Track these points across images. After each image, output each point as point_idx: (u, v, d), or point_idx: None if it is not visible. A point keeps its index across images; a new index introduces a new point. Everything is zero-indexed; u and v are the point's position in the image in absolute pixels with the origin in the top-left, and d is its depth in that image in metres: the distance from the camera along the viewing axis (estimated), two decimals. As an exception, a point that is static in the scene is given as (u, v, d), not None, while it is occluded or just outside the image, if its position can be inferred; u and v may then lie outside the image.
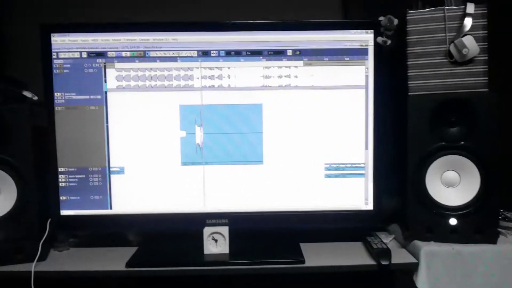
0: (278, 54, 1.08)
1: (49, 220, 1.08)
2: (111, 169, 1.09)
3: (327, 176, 1.10)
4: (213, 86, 1.09)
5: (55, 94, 1.08)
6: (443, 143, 1.05)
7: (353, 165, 1.10)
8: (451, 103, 1.04)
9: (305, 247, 1.11)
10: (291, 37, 1.08)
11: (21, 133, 1.04)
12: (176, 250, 1.10)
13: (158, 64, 1.08)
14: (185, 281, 1.15)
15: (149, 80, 1.08)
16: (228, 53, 1.08)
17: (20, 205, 1.04)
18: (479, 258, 1.01)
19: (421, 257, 1.01)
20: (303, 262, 1.03)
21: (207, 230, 1.07)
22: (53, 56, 1.08)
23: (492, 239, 1.04)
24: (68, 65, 1.08)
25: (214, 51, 1.08)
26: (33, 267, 1.01)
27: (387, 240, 1.14)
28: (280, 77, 1.09)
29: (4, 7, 1.43)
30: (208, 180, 1.10)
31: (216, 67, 1.08)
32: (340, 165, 1.10)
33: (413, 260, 1.03)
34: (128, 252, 1.09)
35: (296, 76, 1.09)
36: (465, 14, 1.01)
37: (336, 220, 1.11)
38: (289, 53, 1.08)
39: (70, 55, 1.08)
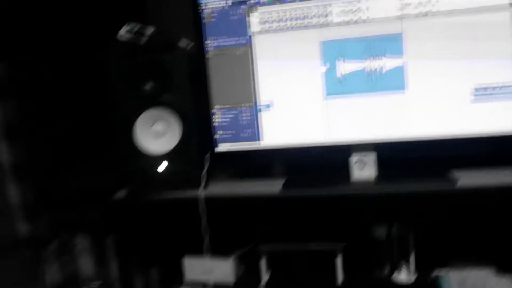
0: (417, -21, 1.07)
1: (208, 154, 1.21)
2: (259, 106, 1.18)
3: (475, 100, 1.08)
4: (352, 20, 1.12)
5: (206, 41, 1.19)
6: None
7: (504, 86, 1.06)
8: None
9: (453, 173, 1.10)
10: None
11: (180, 79, 1.16)
12: (323, 178, 1.16)
13: (297, 4, 1.14)
14: (332, 206, 1.21)
15: (290, 20, 1.15)
16: (365, -14, 1.10)
17: (183, 142, 1.18)
18: None
19: None
20: (455, 183, 1.02)
21: (354, 158, 1.11)
22: (202, 7, 1.19)
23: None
24: (215, 14, 1.18)
25: (351, -14, 1.11)
26: (201, 190, 1.16)
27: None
28: (420, 3, 1.08)
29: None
30: (352, 111, 1.14)
31: (354, 0, 1.11)
32: (489, 88, 1.07)
33: None
34: (278, 183, 1.18)
35: (437, 1, 1.07)
36: None
37: (486, 144, 1.08)
38: (429, -23, 1.07)
39: (217, 4, 1.18)
